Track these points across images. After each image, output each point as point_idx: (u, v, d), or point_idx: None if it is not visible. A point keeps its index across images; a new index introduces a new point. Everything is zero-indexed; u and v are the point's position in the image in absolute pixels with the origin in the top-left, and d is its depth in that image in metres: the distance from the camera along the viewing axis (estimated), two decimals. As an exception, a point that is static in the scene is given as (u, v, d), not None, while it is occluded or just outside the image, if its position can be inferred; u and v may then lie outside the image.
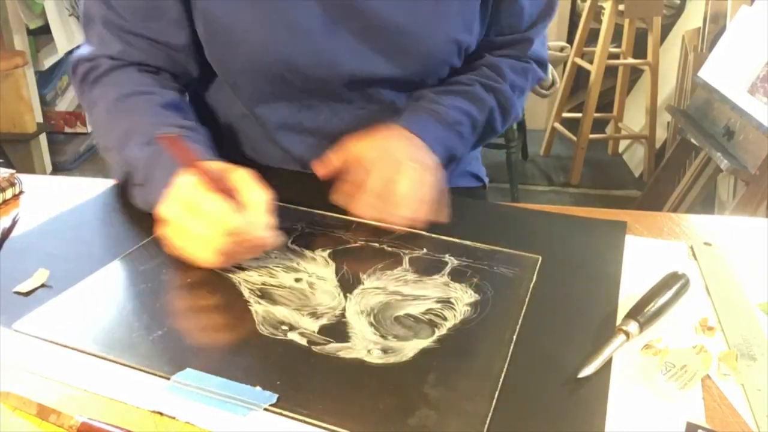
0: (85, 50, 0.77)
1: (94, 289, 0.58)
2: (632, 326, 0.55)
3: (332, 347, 0.52)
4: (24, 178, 0.78)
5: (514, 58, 0.84)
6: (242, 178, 0.60)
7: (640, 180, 2.80)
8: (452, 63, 0.80)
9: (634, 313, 0.56)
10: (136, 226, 0.68)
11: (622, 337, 0.54)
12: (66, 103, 2.90)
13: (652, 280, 0.61)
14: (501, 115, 0.83)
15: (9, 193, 0.75)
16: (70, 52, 2.70)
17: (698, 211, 2.11)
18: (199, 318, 0.57)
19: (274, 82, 0.77)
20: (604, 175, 2.89)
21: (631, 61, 2.76)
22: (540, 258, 0.66)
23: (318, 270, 0.62)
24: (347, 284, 0.60)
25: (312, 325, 0.54)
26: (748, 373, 0.52)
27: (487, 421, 0.46)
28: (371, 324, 0.55)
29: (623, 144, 3.08)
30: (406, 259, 0.65)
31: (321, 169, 0.73)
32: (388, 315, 0.56)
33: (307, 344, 0.52)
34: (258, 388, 0.47)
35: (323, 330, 0.54)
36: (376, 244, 0.67)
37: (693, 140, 2.06)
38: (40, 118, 2.58)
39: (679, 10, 2.89)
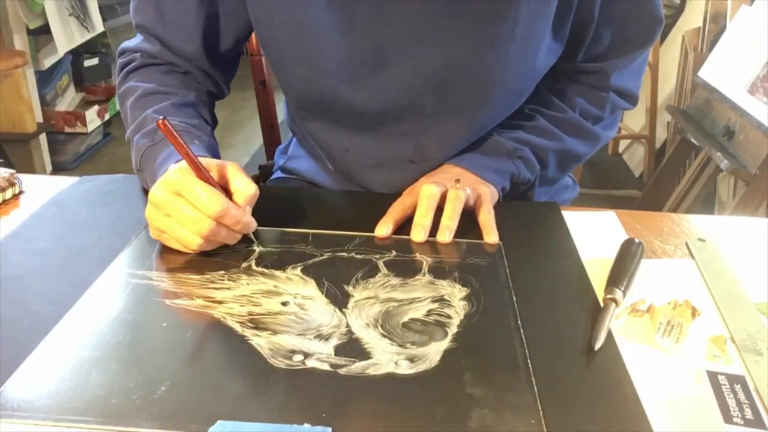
0: (132, 42, 0.85)
1: (57, 352, 0.51)
2: (618, 294, 0.58)
3: (358, 366, 0.50)
4: (24, 178, 0.78)
5: (593, 86, 0.83)
6: (232, 170, 0.65)
7: (640, 180, 2.80)
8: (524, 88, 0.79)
9: (615, 282, 0.60)
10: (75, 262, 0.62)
11: (613, 305, 0.57)
12: (66, 103, 2.89)
13: (600, 249, 0.67)
14: (579, 141, 0.83)
15: (9, 193, 0.75)
16: (71, 52, 2.71)
17: (698, 211, 2.11)
18: (199, 361, 0.51)
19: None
20: (604, 175, 2.88)
21: (631, 61, 2.75)
22: (501, 244, 0.68)
23: (300, 290, 0.60)
24: (337, 299, 0.58)
25: (325, 348, 0.52)
26: (756, 369, 0.52)
27: (540, 408, 0.46)
28: (384, 336, 0.54)
29: (623, 144, 3.08)
30: (381, 264, 0.64)
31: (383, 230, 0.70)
32: (394, 323, 0.55)
33: (331, 368, 0.49)
34: (306, 425, 0.44)
35: (339, 351, 0.51)
36: (344, 254, 0.65)
37: (693, 140, 2.06)
38: (40, 118, 2.58)
39: (679, 10, 2.89)
